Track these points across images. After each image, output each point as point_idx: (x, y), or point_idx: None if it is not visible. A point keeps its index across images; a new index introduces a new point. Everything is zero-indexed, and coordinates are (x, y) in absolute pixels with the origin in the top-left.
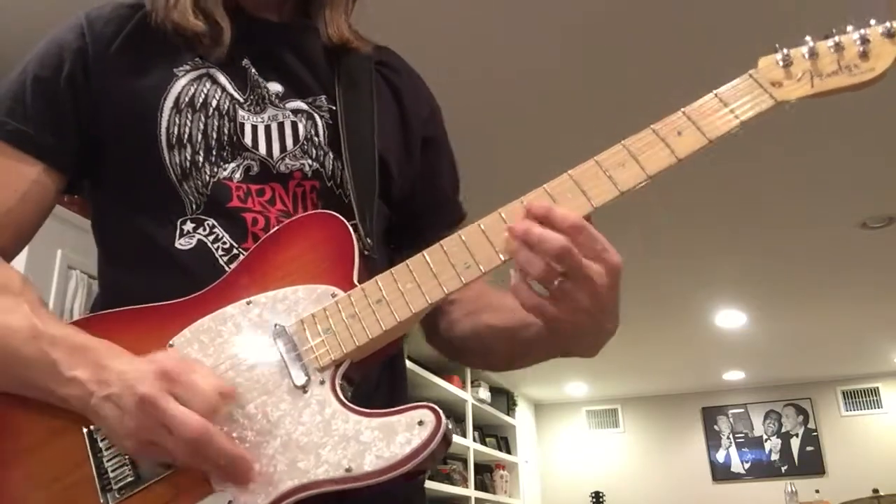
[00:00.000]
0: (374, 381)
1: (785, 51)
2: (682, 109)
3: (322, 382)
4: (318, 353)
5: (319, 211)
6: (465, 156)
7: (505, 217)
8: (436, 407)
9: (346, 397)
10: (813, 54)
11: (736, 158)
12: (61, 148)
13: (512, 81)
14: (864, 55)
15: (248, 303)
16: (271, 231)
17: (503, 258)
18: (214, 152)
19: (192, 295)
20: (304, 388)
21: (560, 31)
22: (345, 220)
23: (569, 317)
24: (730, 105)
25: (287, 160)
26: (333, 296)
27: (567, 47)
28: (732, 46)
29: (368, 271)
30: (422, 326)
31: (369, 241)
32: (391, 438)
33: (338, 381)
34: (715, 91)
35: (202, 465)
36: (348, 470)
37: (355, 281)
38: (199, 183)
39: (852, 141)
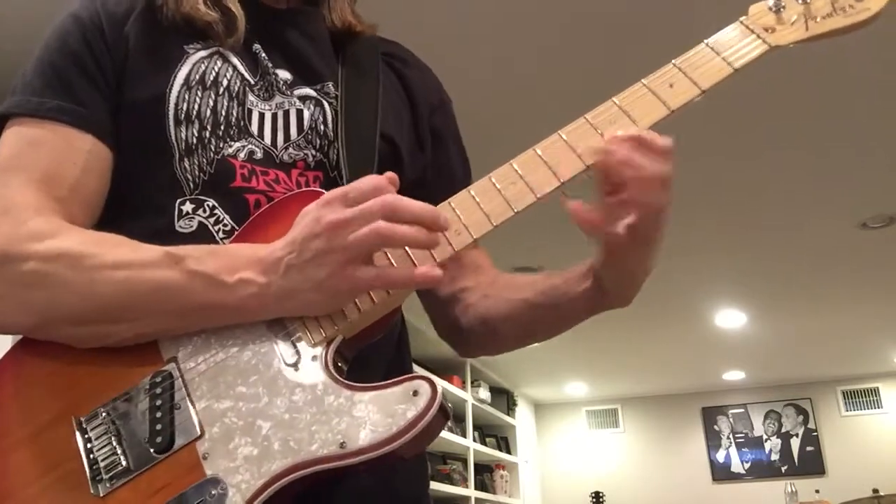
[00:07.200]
0: (376, 362)
1: None
2: (673, 61)
3: (314, 359)
4: (309, 329)
5: (311, 189)
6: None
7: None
8: (431, 377)
9: (339, 374)
10: None
11: (736, 158)
12: (102, 117)
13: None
14: None
15: None
16: (262, 208)
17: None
18: (222, 129)
19: None
20: (295, 366)
21: None
22: None
23: (635, 247)
24: (722, 53)
25: (290, 149)
26: None
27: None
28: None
29: None
30: (432, 319)
31: None
32: (386, 411)
33: (330, 358)
34: (706, 40)
35: (395, 234)
36: (342, 445)
37: None
38: (204, 160)
39: (853, 141)
